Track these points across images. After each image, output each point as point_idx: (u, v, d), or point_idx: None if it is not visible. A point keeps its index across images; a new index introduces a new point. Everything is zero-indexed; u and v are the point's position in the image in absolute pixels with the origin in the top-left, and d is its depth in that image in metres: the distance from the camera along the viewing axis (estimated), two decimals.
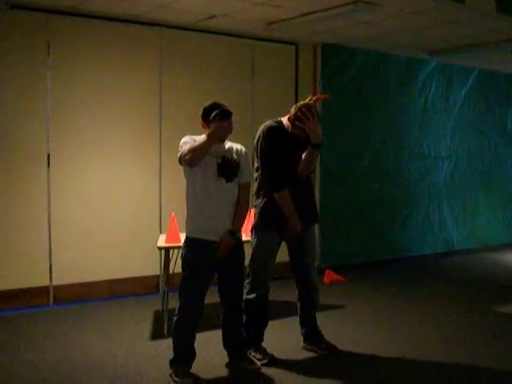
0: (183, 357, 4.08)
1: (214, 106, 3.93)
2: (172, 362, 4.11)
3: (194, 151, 3.81)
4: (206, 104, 4.00)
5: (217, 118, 3.83)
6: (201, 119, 4.01)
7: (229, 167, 4.01)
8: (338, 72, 8.04)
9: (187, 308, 4.01)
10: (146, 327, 5.38)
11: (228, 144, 4.11)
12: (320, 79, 7.86)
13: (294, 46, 7.70)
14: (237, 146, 4.15)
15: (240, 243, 4.17)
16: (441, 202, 9.39)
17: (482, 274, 8.12)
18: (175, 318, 4.05)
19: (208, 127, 3.88)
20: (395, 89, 8.74)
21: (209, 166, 3.94)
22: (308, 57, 7.84)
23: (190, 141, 3.94)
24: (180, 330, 4.06)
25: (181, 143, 3.96)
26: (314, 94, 6.89)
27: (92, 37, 6.25)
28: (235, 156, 4.08)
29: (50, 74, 6.04)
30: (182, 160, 3.93)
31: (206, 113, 3.94)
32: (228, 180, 4.00)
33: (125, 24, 6.40)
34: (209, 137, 3.80)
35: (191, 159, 3.84)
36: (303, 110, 4.24)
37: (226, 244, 3.98)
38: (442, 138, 9.39)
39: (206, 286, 4.05)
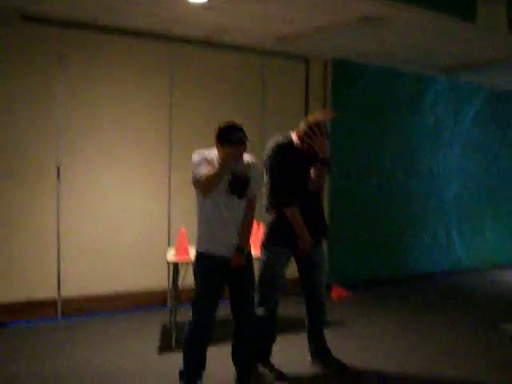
0: (194, 368, 4.05)
1: (231, 129, 3.87)
2: (182, 374, 4.09)
3: (208, 183, 3.82)
4: (223, 124, 3.92)
5: (232, 145, 3.82)
6: (215, 137, 3.92)
7: (239, 183, 3.97)
8: (348, 87, 8.06)
9: (200, 321, 4.00)
10: (155, 341, 5.37)
11: None
12: (330, 94, 7.88)
13: (304, 62, 7.73)
14: (247, 158, 4.06)
15: (249, 257, 4.16)
16: (449, 221, 9.37)
17: (489, 293, 8.06)
18: (187, 330, 4.02)
19: (221, 146, 3.86)
20: (405, 105, 8.75)
21: (220, 185, 3.90)
22: (318, 72, 7.87)
23: (202, 161, 3.90)
24: (191, 342, 4.03)
25: (192, 162, 3.92)
26: (323, 109, 6.93)
27: (103, 50, 6.30)
28: (245, 170, 4.03)
29: (61, 87, 6.08)
30: (196, 185, 3.92)
31: (222, 133, 3.88)
32: (240, 196, 3.98)
33: (136, 38, 6.45)
34: (221, 165, 3.80)
35: (207, 191, 3.86)
36: (312, 126, 4.26)
37: (236, 260, 3.97)
38: (451, 156, 9.38)
39: (217, 300, 4.03)
